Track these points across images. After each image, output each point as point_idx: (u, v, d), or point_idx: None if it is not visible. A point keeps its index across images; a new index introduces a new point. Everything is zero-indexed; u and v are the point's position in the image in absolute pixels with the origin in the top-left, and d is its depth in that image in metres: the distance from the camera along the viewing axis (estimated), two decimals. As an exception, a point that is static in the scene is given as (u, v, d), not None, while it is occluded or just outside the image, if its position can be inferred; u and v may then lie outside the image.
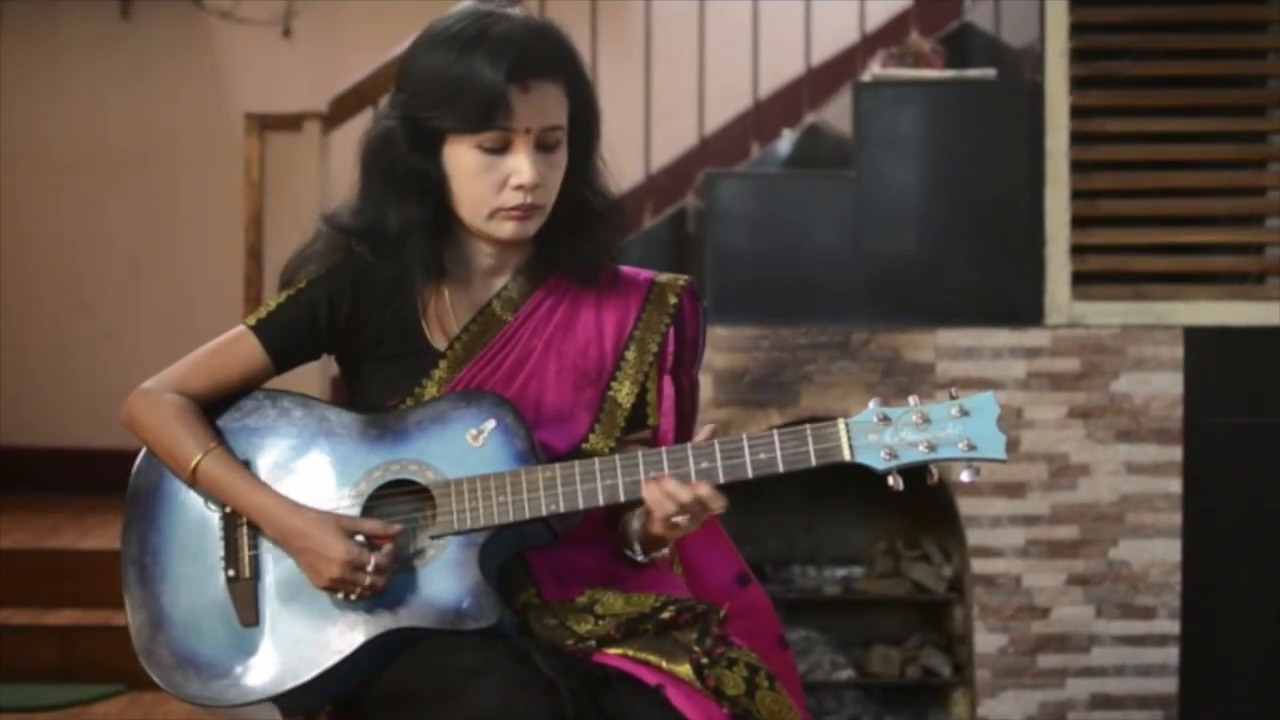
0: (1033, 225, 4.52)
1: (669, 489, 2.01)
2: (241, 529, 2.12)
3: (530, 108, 2.08)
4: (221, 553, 2.12)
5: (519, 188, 2.10)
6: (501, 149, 2.10)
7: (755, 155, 5.35)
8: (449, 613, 2.03)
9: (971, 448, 1.99)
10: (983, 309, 4.52)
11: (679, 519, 2.03)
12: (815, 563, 4.81)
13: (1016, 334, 4.47)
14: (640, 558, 2.15)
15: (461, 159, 2.11)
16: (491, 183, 2.10)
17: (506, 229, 2.13)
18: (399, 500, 2.11)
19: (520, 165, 2.09)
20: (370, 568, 2.03)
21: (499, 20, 2.10)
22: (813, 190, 4.63)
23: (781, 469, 2.01)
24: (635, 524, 2.13)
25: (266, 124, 4.97)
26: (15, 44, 6.13)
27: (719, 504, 2.02)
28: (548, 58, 2.10)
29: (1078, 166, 4.54)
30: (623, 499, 2.05)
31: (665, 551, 2.15)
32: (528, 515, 2.05)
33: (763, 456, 2.01)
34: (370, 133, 2.16)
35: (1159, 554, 4.47)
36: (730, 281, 4.56)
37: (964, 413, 2.00)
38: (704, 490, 2.01)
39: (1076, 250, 4.54)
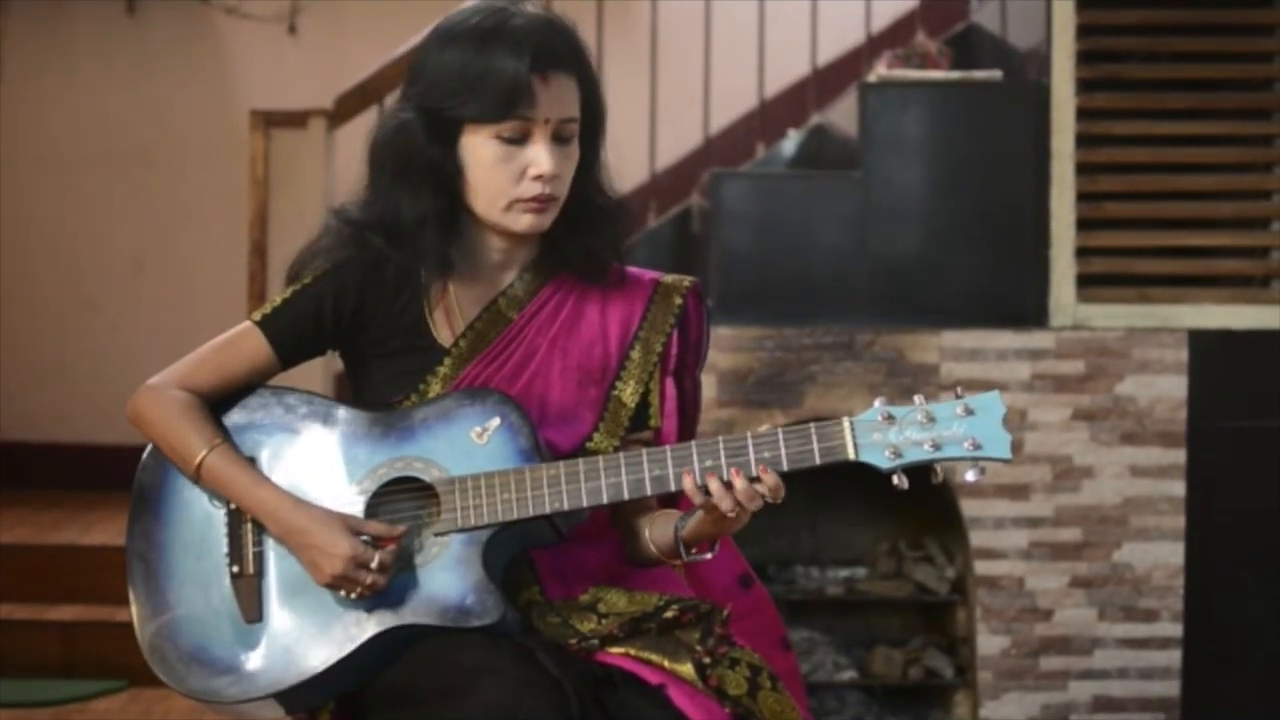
0: (1038, 227, 4.52)
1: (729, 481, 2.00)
2: (246, 525, 2.12)
3: (549, 99, 2.10)
4: (226, 549, 2.12)
5: (538, 178, 2.11)
6: (520, 140, 2.11)
7: (760, 156, 5.34)
8: (452, 610, 2.03)
9: (976, 447, 1.98)
10: (987, 310, 4.52)
11: (732, 511, 2.01)
12: (818, 563, 4.81)
13: (1021, 336, 4.47)
14: (684, 558, 2.13)
15: (479, 150, 2.11)
16: (510, 173, 2.11)
17: (524, 221, 2.13)
18: (403, 497, 2.10)
19: (539, 155, 2.10)
20: (374, 565, 2.03)
21: (515, 14, 2.12)
22: (818, 191, 4.63)
23: (786, 467, 2.01)
24: (683, 525, 2.10)
25: (271, 121, 4.95)
26: (20, 39, 6.13)
27: (781, 493, 2.01)
28: (564, 51, 2.12)
29: (1083, 169, 4.54)
30: (626, 497, 2.05)
31: (710, 555, 2.13)
32: (531, 513, 2.05)
33: (767, 455, 2.01)
34: (383, 127, 2.16)
35: (1162, 557, 4.47)
36: (735, 282, 4.56)
37: (969, 412, 1.99)
38: (770, 479, 2.00)
39: (1081, 252, 4.53)
